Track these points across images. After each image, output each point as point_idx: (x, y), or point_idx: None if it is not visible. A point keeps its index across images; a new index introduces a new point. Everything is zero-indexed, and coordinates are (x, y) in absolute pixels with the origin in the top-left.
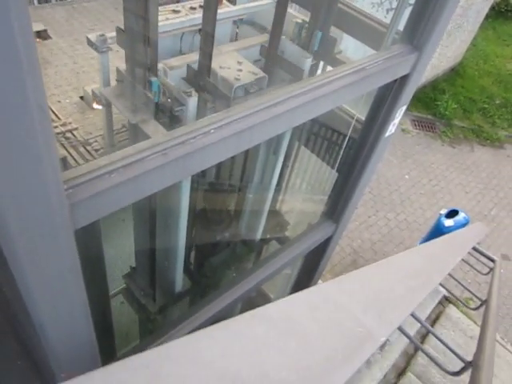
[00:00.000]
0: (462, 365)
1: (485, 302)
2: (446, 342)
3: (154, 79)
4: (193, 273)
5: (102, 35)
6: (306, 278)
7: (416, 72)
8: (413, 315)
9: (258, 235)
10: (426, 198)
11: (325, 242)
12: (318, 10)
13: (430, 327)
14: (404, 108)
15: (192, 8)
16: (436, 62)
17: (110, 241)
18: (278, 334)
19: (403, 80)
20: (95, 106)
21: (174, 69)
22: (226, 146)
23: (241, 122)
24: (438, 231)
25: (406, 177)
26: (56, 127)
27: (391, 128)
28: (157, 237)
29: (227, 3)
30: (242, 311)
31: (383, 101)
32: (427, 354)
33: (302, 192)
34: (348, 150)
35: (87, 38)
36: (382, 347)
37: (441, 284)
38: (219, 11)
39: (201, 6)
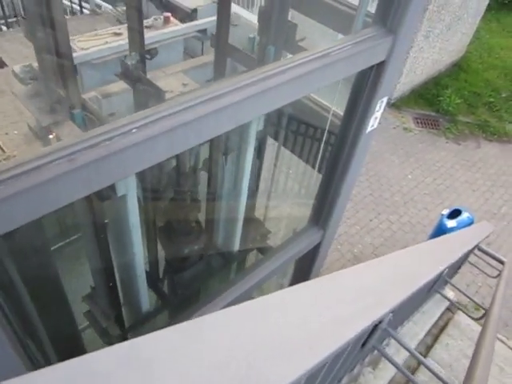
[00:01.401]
0: None
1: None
2: (436, 372)
3: (76, 111)
4: (162, 290)
5: (27, 66)
6: None
7: (393, 58)
8: (400, 342)
9: (235, 246)
10: (431, 198)
11: (313, 250)
12: None
13: (420, 356)
14: (385, 100)
15: None
16: (437, 56)
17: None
18: None
19: (380, 68)
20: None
21: (110, 96)
22: (152, 149)
23: (171, 119)
24: (440, 233)
25: (409, 177)
26: None
27: (373, 123)
28: (110, 254)
29: (175, 21)
30: None
31: (360, 92)
32: (429, 368)
33: (283, 197)
34: (328, 149)
35: (12, 70)
36: (375, 365)
37: (437, 293)
38: (165, 30)
39: (146, 27)
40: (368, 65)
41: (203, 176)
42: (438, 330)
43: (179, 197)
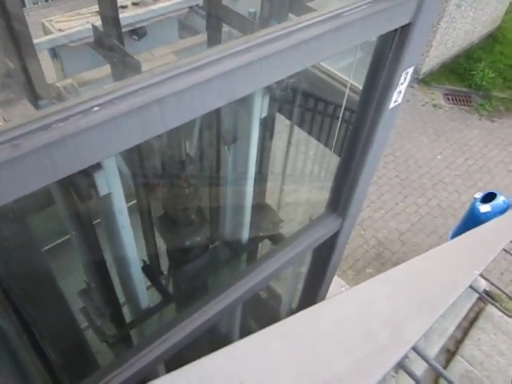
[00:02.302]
0: None
1: None
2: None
3: (43, 102)
4: (163, 285)
5: None
6: (317, 275)
7: (420, 20)
8: (420, 354)
9: (244, 236)
10: (462, 180)
11: (331, 239)
12: None
13: (441, 369)
14: (410, 71)
15: (122, 7)
16: (469, 27)
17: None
18: None
19: (404, 32)
20: None
21: (89, 83)
22: (120, 130)
23: (144, 95)
24: (472, 219)
25: (439, 157)
26: None
27: (396, 97)
28: (102, 252)
29: None
30: (249, 313)
31: (382, 62)
32: (448, 380)
33: (298, 181)
34: (346, 128)
35: None
36: (398, 368)
37: (481, 275)
38: (155, 7)
39: (134, 4)
40: (389, 28)
41: (205, 161)
42: (469, 323)
43: (178, 184)
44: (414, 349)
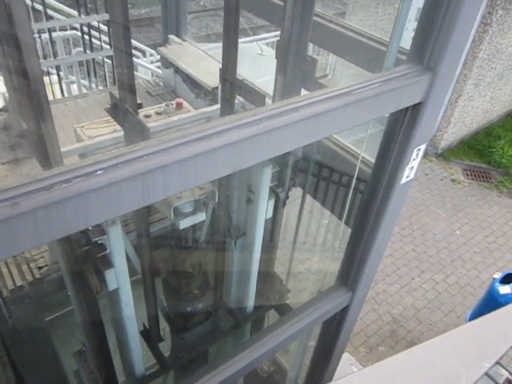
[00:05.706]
0: None
1: None
2: None
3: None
4: (160, 353)
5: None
6: (325, 350)
7: (431, 100)
8: None
9: (248, 305)
10: (482, 257)
11: (341, 313)
12: (289, 24)
13: None
14: (422, 148)
15: (147, 116)
16: (488, 106)
17: None
18: None
19: (415, 111)
20: None
21: None
22: (121, 195)
23: (148, 160)
24: (491, 300)
25: (457, 232)
26: None
27: (408, 173)
28: (103, 327)
29: (188, 106)
30: None
31: (393, 138)
32: None
33: (306, 251)
34: (357, 201)
35: None
36: None
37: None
38: (176, 117)
39: (157, 113)
40: (400, 106)
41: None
42: None
43: (183, 267)
44: None
